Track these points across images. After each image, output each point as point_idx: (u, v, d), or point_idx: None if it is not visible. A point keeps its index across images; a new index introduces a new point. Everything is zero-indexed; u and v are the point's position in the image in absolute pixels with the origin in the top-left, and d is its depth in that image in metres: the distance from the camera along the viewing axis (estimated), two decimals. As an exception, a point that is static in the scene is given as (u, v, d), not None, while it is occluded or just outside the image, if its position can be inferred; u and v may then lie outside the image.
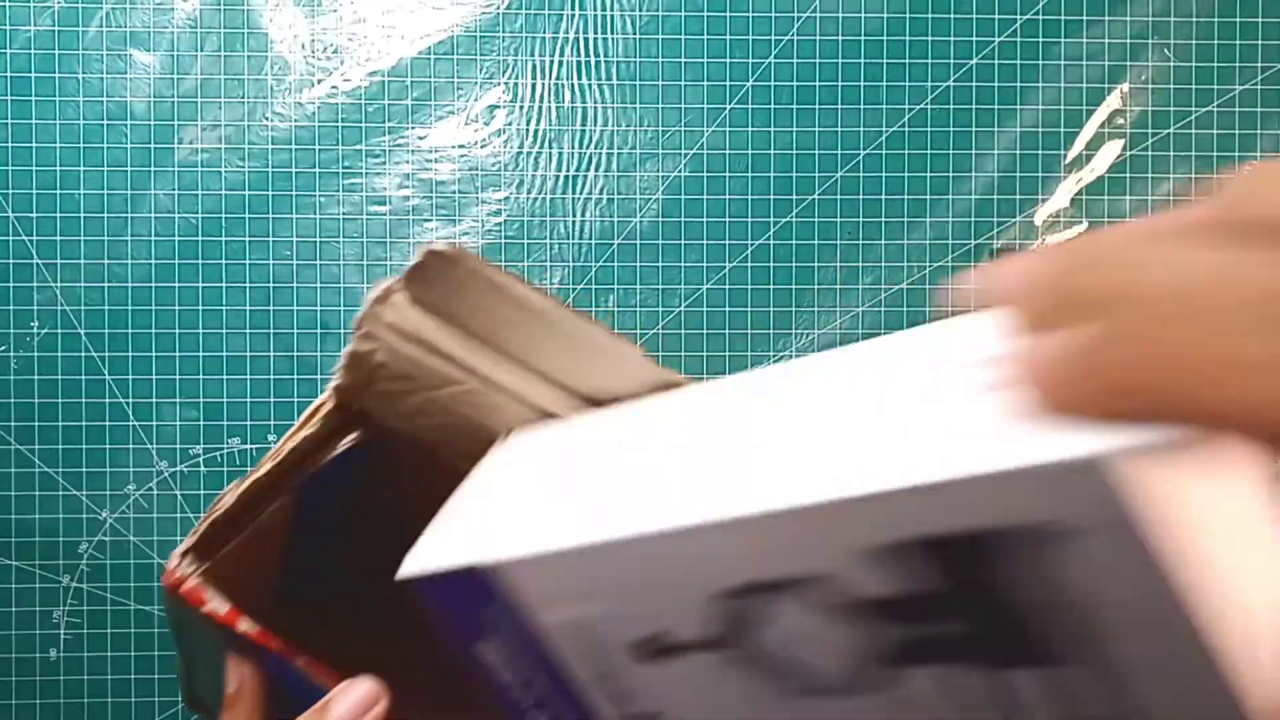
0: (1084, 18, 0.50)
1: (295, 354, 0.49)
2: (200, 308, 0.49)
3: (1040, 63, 0.50)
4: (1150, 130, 0.51)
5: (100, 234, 0.48)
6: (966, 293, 0.21)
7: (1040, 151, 0.50)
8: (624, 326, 0.50)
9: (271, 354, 0.49)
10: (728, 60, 0.50)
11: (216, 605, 0.25)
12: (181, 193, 0.49)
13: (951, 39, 0.50)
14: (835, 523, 0.15)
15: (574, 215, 0.50)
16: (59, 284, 0.48)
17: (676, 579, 0.18)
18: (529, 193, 0.49)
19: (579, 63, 0.49)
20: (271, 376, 0.49)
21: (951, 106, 0.50)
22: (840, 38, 0.50)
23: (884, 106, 0.50)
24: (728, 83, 0.50)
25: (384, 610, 0.23)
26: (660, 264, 0.50)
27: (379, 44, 0.49)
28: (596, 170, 0.50)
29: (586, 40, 0.49)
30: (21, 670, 0.48)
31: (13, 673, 0.48)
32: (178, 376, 0.48)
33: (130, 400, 0.48)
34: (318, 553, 0.30)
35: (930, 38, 0.50)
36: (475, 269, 0.25)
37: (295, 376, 0.49)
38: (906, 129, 0.50)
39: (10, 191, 0.48)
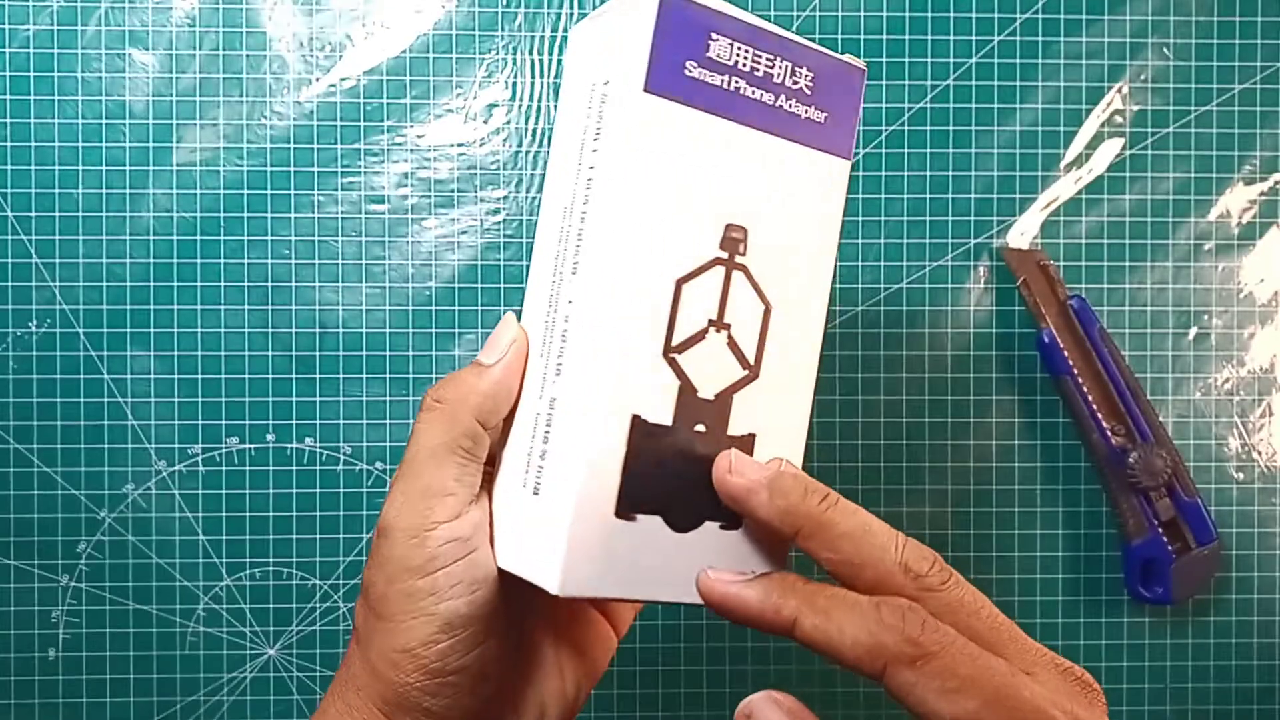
0: (1083, 17, 0.50)
1: (294, 353, 0.49)
2: (198, 307, 0.49)
3: (1040, 61, 0.50)
4: (1150, 129, 0.51)
5: (99, 233, 0.48)
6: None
7: (1040, 150, 0.50)
8: (623, 326, 0.50)
9: (270, 353, 0.49)
10: (727, 59, 0.49)
11: None
12: (180, 192, 0.48)
13: (951, 38, 0.50)
14: None
15: (573, 214, 0.49)
16: (57, 283, 0.48)
17: None
18: (528, 191, 0.49)
19: (578, 62, 0.49)
20: (270, 376, 0.49)
21: (951, 105, 0.50)
22: (840, 36, 0.50)
23: (883, 105, 0.50)
24: (727, 82, 0.49)
25: None
26: (659, 263, 0.50)
27: (377, 42, 0.49)
28: (595, 169, 0.49)
29: (585, 39, 0.49)
30: (20, 670, 0.48)
31: (11, 672, 0.48)
32: (176, 376, 0.48)
33: (129, 400, 0.48)
34: None
35: (930, 36, 0.50)
36: None
37: (294, 376, 0.49)
38: (906, 128, 0.50)
39: (8, 191, 0.48)
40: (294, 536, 0.49)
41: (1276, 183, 0.51)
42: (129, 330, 0.48)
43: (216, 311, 0.49)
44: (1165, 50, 0.51)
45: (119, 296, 0.48)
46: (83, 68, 0.48)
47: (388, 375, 0.49)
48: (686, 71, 0.29)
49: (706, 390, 0.30)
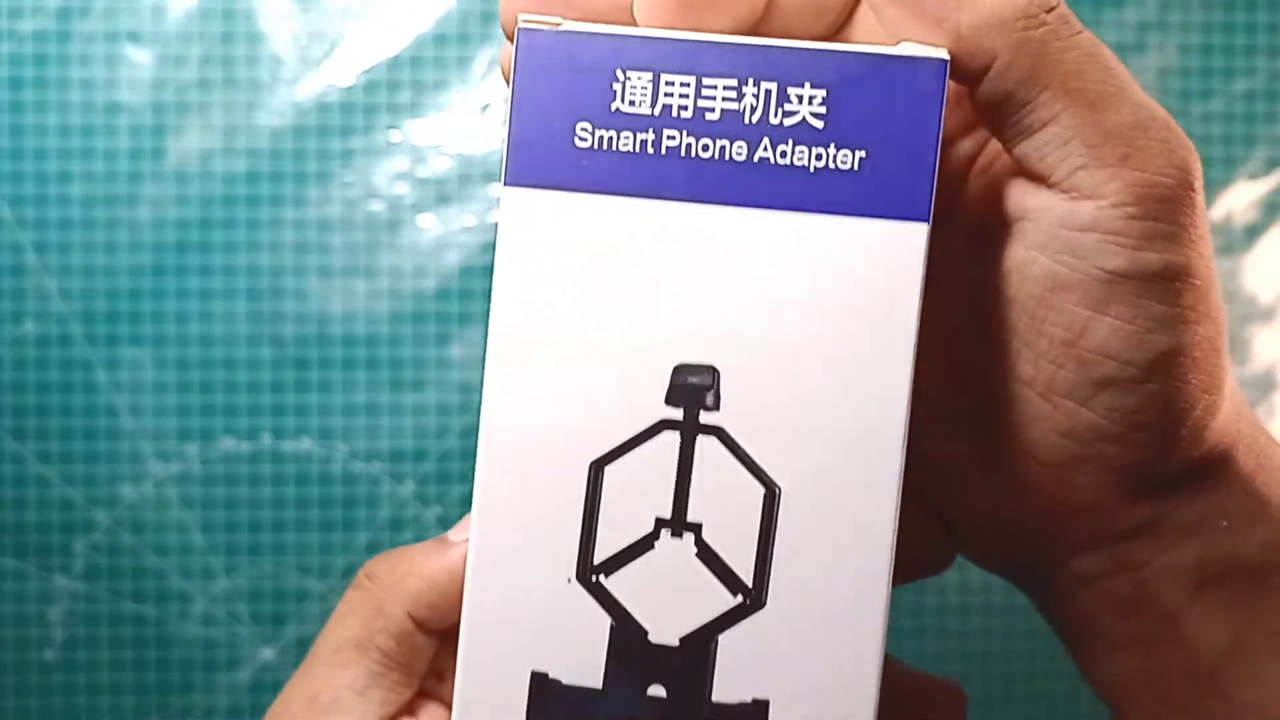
0: (1084, 15, 0.50)
1: (290, 352, 0.49)
2: (195, 306, 0.48)
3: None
4: (1152, 127, 0.50)
5: (96, 232, 0.48)
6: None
7: (1041, 149, 0.50)
8: (622, 325, 0.49)
9: (266, 352, 0.49)
10: (727, 57, 0.49)
11: None
12: (176, 190, 0.48)
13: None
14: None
15: (572, 213, 0.49)
16: (54, 282, 0.48)
17: None
18: (527, 190, 0.49)
19: (577, 59, 0.49)
20: (267, 375, 0.48)
21: (952, 103, 0.50)
22: (840, 34, 0.50)
23: (884, 103, 0.50)
24: (727, 79, 0.49)
25: None
26: (659, 262, 0.49)
27: (374, 39, 0.49)
28: (594, 168, 0.49)
29: (584, 37, 0.49)
30: (16, 671, 0.48)
31: (7, 673, 0.48)
32: (173, 375, 0.48)
33: (126, 400, 0.48)
34: None
35: (930, 34, 0.50)
36: None
37: (291, 375, 0.49)
38: (907, 126, 0.50)
39: (6, 189, 0.48)
40: (291, 537, 0.49)
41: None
42: (126, 330, 0.48)
43: (214, 310, 0.48)
44: (1167, 48, 0.50)
45: (115, 295, 0.48)
46: (80, 66, 0.48)
47: (386, 374, 0.49)
48: (577, 141, 0.19)
49: (664, 631, 0.19)
